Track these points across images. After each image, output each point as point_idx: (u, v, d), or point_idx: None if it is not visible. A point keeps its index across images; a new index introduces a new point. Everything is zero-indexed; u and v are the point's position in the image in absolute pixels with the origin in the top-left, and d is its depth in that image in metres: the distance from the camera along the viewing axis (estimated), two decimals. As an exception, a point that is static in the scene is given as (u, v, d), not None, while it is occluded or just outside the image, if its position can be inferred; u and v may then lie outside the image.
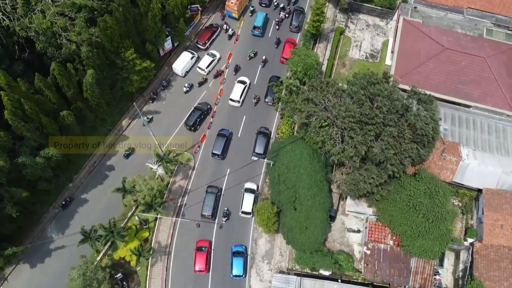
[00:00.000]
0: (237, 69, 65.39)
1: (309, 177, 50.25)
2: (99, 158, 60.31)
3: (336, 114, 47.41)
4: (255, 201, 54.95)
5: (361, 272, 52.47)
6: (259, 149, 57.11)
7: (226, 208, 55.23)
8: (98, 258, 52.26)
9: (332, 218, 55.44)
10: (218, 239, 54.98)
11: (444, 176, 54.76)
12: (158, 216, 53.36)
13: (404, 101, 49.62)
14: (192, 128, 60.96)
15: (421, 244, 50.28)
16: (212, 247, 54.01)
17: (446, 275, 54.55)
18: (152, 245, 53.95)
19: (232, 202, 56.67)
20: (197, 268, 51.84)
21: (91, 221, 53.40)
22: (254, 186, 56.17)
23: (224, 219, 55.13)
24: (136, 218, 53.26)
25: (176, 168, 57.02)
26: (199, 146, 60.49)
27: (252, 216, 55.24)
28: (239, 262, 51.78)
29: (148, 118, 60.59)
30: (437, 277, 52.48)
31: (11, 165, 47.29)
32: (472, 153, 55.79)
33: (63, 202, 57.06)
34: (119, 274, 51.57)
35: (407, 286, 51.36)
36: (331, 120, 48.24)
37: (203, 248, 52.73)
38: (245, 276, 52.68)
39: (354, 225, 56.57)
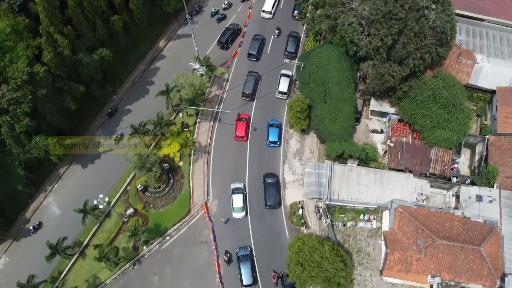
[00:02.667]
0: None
1: (337, 73, 55.03)
2: (139, 74, 65.47)
3: (362, 11, 51.99)
4: (289, 85, 61.56)
5: (385, 164, 57.34)
6: (291, 49, 62.91)
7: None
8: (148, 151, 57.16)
9: (357, 120, 60.29)
10: (256, 116, 61.44)
11: (460, 79, 59.17)
12: (199, 116, 58.50)
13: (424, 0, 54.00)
14: (225, 46, 65.91)
15: (440, 134, 55.00)
16: (251, 122, 60.57)
17: (462, 168, 59.32)
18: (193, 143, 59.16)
19: (270, 85, 63.18)
20: (237, 135, 58.38)
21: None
22: (289, 73, 62.22)
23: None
24: (180, 115, 58.25)
25: (213, 74, 61.79)
26: (231, 62, 65.39)
27: (287, 98, 61.56)
28: (274, 132, 58.46)
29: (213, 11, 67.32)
30: (456, 165, 57.18)
31: (70, 62, 52.37)
32: (485, 58, 60.35)
33: (109, 110, 62.27)
34: (166, 165, 56.75)
35: (427, 173, 56.14)
36: (358, 18, 52.83)
37: (244, 119, 59.14)
38: (280, 145, 59.00)
39: (377, 127, 61.46)
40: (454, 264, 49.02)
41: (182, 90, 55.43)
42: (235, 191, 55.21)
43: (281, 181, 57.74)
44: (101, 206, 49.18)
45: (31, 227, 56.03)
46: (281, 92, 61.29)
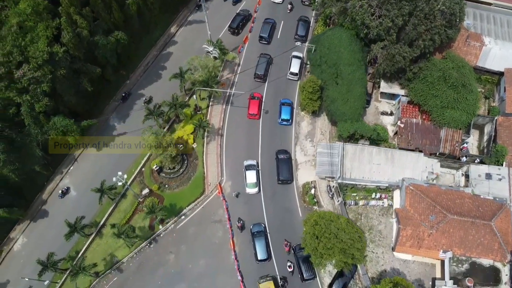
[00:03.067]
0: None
1: (349, 55, 56.04)
2: (152, 59, 66.48)
3: (373, -8, 52.96)
4: (301, 66, 62.99)
5: (395, 145, 58.36)
6: (301, 32, 64.26)
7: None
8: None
9: (367, 102, 61.34)
10: (268, 96, 62.87)
11: (469, 61, 59.90)
12: (211, 100, 59.53)
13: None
14: (236, 31, 66.90)
15: (450, 114, 56.03)
16: (263, 100, 62.08)
17: (471, 148, 60.32)
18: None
19: (281, 67, 64.65)
20: (250, 113, 59.78)
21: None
22: (300, 54, 63.33)
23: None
24: (194, 97, 59.25)
25: (225, 58, 62.82)
26: (242, 47, 66.39)
27: (298, 79, 63.20)
28: (286, 110, 59.82)
29: None
30: (465, 145, 58.19)
31: (87, 44, 53.37)
32: (493, 40, 61.38)
33: (123, 94, 63.27)
34: (181, 145, 57.74)
35: (437, 153, 57.16)
36: (368, 0, 53.80)
37: (256, 98, 60.59)
38: (291, 123, 60.52)
39: (387, 109, 62.50)
40: (465, 239, 50.08)
41: (196, 72, 56.36)
42: (248, 167, 56.54)
43: (293, 162, 58.77)
44: (119, 183, 50.19)
45: (60, 191, 57.80)
46: (292, 73, 62.40)
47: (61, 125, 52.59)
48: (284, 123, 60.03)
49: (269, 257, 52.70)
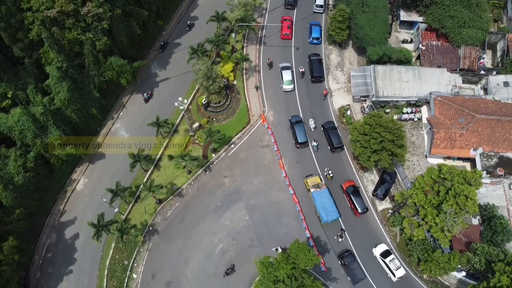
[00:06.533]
0: None
1: (373, -16, 61.51)
2: (184, 10, 70.98)
3: None
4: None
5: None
6: None
7: None
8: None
9: (388, 33, 66.67)
10: (298, 16, 69.12)
11: (478, -13, 65.98)
12: (245, 41, 64.21)
13: None
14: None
15: (466, 32, 61.76)
16: (294, 21, 68.48)
17: (487, 65, 66.25)
18: (244, 66, 65.04)
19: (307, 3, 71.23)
20: (284, 33, 66.02)
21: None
22: None
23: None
24: (233, 35, 64.04)
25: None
26: (269, -10, 71.40)
27: (323, 12, 69.24)
28: (316, 29, 66.72)
29: None
30: (482, 60, 64.04)
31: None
32: (498, -33, 67.35)
33: (162, 44, 67.67)
34: (225, 80, 62.48)
35: (458, 69, 62.90)
36: None
37: (288, 19, 66.69)
38: (321, 42, 66.92)
39: (407, 37, 68.08)
40: (492, 136, 55.91)
41: (235, 11, 61.06)
42: (284, 68, 63.32)
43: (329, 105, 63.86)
44: (181, 107, 54.65)
45: (144, 94, 64.10)
46: (318, 6, 68.50)
47: (116, 64, 56.84)
48: (315, 41, 66.12)
49: (307, 141, 59.23)
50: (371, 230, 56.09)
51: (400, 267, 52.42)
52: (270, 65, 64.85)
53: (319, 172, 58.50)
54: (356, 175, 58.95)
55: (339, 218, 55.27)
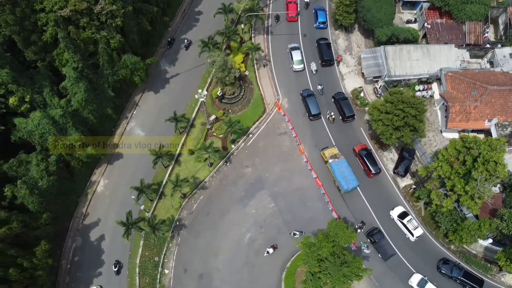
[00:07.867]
0: None
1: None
2: (187, 5, 70.86)
3: None
4: None
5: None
6: None
7: None
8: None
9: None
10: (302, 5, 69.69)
11: (475, -36, 67.45)
12: (253, 32, 64.51)
13: None
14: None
15: (470, 8, 63.10)
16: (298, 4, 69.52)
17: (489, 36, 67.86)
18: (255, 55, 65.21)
19: None
20: (290, 15, 67.15)
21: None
22: None
23: None
24: (242, 26, 64.28)
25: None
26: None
27: None
28: (322, 14, 67.14)
29: None
30: (486, 35, 65.55)
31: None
32: None
33: (169, 40, 67.47)
34: (238, 71, 62.55)
35: (464, 44, 64.29)
36: None
37: (293, 2, 67.69)
38: (327, 26, 67.64)
39: (411, 17, 69.22)
40: (505, 106, 57.37)
41: (242, 1, 61.27)
42: (293, 48, 64.40)
43: (338, 74, 64.78)
44: (202, 99, 54.63)
45: (185, 40, 66.96)
46: None
47: (130, 62, 56.52)
48: (321, 25, 66.88)
49: (319, 113, 60.47)
50: (387, 192, 58.09)
51: (418, 227, 54.50)
52: (277, 17, 67.45)
53: (334, 144, 59.96)
54: (368, 143, 60.61)
55: (358, 187, 56.80)
